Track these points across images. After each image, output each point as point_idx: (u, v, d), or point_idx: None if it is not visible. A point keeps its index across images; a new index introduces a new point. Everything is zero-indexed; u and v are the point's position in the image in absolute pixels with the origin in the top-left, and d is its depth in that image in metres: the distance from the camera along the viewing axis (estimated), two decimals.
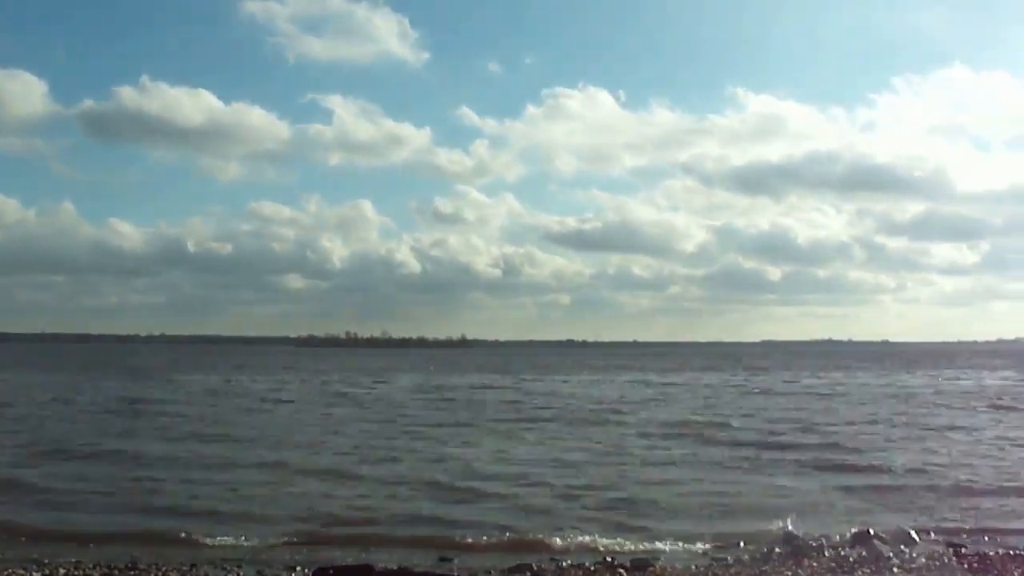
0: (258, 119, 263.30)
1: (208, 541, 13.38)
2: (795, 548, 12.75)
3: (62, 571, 11.29)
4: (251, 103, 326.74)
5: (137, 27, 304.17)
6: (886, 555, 12.25)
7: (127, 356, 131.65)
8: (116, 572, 11.36)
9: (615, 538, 13.55)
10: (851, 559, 12.10)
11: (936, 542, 13.17)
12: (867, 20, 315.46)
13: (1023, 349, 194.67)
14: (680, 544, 13.20)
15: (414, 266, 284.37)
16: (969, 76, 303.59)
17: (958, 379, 67.71)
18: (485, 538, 13.62)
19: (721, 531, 13.99)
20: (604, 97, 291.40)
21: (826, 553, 12.45)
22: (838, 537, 13.32)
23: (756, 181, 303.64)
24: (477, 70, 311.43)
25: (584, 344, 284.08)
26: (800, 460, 21.66)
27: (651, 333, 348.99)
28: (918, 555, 12.29)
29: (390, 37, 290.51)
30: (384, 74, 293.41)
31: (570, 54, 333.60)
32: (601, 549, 12.85)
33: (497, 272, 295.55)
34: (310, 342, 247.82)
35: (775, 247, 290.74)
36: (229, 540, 13.40)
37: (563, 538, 13.55)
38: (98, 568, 11.47)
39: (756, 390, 53.37)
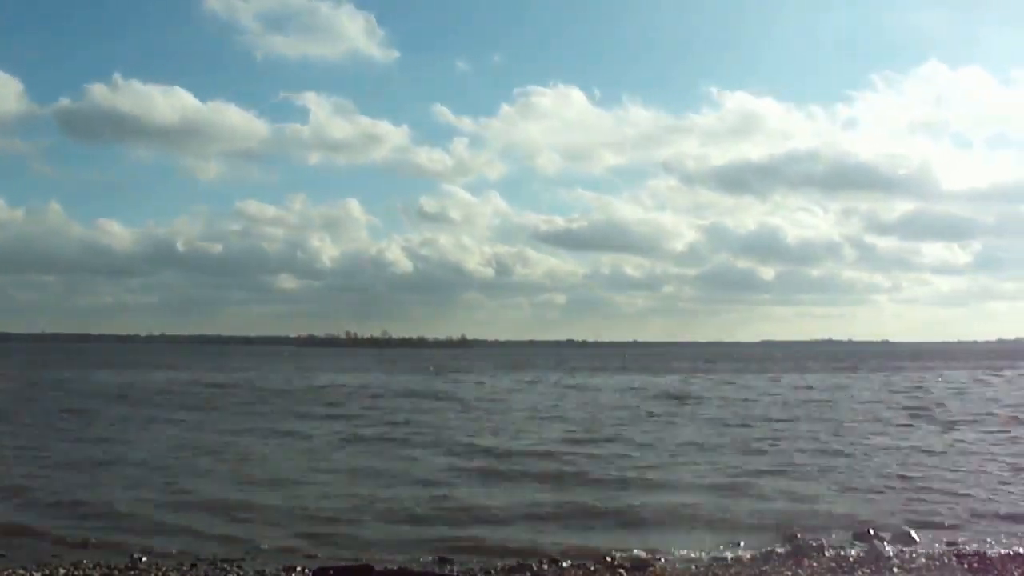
0: (236, 117, 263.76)
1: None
2: (795, 548, 12.75)
3: (62, 571, 11.30)
4: (226, 101, 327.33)
5: (101, 26, 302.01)
6: (886, 555, 12.26)
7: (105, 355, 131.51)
8: (116, 572, 11.37)
9: (615, 538, 13.55)
10: (851, 559, 12.11)
11: (936, 542, 13.16)
12: (839, 19, 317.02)
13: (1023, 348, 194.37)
14: (680, 544, 13.20)
15: (406, 265, 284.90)
16: (946, 72, 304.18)
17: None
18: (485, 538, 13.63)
19: (721, 531, 13.99)
20: (577, 95, 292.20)
21: (826, 553, 12.45)
22: (838, 537, 13.33)
23: (739, 180, 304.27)
24: (446, 68, 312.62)
25: (584, 344, 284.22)
26: None
27: (650, 333, 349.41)
28: (918, 555, 12.29)
29: (357, 35, 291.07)
30: (356, 72, 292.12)
31: (537, 52, 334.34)
32: (601, 550, 12.84)
33: (490, 272, 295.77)
34: (310, 342, 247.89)
35: (765, 247, 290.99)
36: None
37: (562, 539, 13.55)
38: (98, 568, 11.48)
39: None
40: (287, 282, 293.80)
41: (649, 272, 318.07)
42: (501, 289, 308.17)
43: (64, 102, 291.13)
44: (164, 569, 11.56)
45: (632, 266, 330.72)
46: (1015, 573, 11.24)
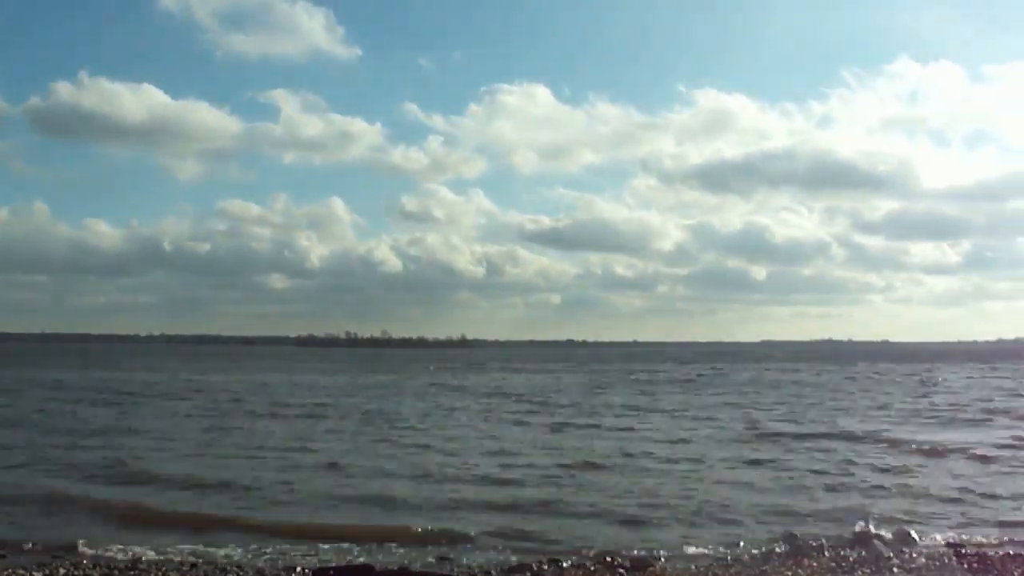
0: (208, 116, 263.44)
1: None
2: (795, 548, 12.75)
3: (62, 571, 11.30)
4: (197, 99, 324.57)
5: (57, 24, 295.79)
6: (886, 555, 12.26)
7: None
8: (116, 572, 11.37)
9: (614, 539, 13.56)
10: (851, 559, 12.11)
11: (936, 542, 13.16)
12: (805, 17, 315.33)
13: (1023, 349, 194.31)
14: (680, 544, 13.20)
15: (395, 265, 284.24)
16: (917, 69, 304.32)
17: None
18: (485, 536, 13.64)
19: (721, 531, 13.99)
20: (543, 93, 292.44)
21: (826, 553, 12.45)
22: (838, 537, 13.33)
23: (719, 179, 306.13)
24: (409, 65, 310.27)
25: (584, 344, 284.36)
26: None
27: (649, 333, 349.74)
28: (918, 555, 12.29)
29: (317, 32, 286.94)
30: (321, 70, 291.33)
31: (498, 49, 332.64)
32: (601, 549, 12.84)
33: (480, 271, 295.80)
34: (310, 342, 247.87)
35: (754, 246, 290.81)
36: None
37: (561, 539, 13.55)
38: (98, 568, 11.48)
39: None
40: (278, 282, 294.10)
41: (641, 272, 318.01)
42: (494, 289, 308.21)
43: (34, 101, 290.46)
44: (164, 569, 11.55)
45: (623, 266, 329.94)
46: (1015, 573, 11.24)
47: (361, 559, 12.27)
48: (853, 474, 19.67)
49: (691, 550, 12.83)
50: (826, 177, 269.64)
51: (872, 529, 13.53)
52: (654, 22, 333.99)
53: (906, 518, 14.74)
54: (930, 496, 17.00)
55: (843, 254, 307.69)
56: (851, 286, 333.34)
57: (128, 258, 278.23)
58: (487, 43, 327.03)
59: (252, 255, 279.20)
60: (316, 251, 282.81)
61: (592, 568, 11.68)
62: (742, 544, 13.10)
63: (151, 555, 12.31)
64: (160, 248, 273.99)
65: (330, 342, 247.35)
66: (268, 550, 12.79)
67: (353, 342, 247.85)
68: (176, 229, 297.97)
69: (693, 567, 11.91)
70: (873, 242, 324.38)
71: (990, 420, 32.90)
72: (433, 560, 12.31)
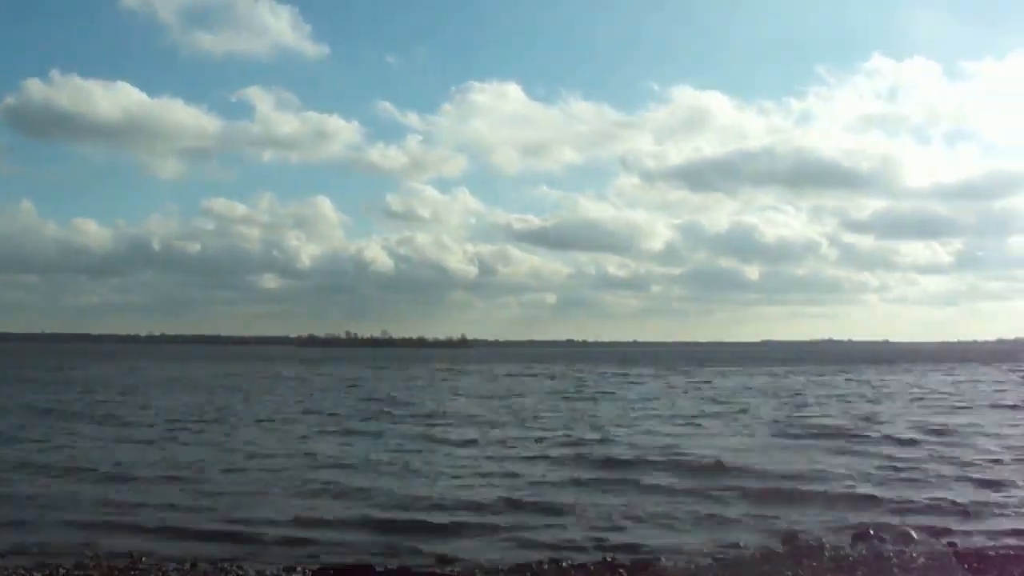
0: (184, 114, 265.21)
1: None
2: (795, 548, 12.75)
3: (62, 571, 11.30)
4: (171, 97, 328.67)
5: (20, 22, 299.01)
6: (886, 555, 12.25)
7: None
8: (116, 572, 11.38)
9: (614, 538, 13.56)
10: (851, 559, 12.10)
11: (936, 542, 13.16)
12: (777, 15, 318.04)
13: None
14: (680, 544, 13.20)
15: (387, 264, 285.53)
16: (892, 65, 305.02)
17: None
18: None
19: (721, 531, 13.99)
20: (515, 91, 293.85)
21: (826, 553, 12.44)
22: (838, 537, 13.33)
23: (701, 178, 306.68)
24: (378, 63, 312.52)
25: (584, 344, 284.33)
26: None
27: (648, 333, 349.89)
28: (918, 555, 12.27)
29: (284, 30, 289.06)
30: (291, 68, 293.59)
31: (466, 47, 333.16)
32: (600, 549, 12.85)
33: (472, 271, 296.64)
34: (310, 342, 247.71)
35: (744, 246, 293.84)
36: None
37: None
38: (98, 568, 11.48)
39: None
40: (271, 282, 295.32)
41: (634, 272, 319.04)
42: (487, 288, 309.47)
43: (9, 100, 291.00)
44: (164, 569, 11.56)
45: (614, 265, 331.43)
46: (1015, 573, 11.25)
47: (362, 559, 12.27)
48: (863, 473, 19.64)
49: (691, 550, 12.84)
50: (810, 176, 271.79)
51: (872, 529, 13.55)
52: (623, 20, 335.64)
53: (906, 518, 14.75)
54: (930, 496, 16.99)
55: (834, 253, 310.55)
56: (845, 286, 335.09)
57: (119, 258, 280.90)
58: (453, 40, 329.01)
59: (243, 255, 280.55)
60: (306, 251, 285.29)
61: (592, 568, 11.69)
62: (742, 544, 13.10)
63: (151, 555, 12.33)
64: (149, 248, 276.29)
65: (331, 342, 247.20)
66: None
67: (353, 342, 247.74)
68: (163, 229, 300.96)
69: (693, 567, 11.91)
70: (863, 241, 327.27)
71: None
72: (433, 560, 12.33)
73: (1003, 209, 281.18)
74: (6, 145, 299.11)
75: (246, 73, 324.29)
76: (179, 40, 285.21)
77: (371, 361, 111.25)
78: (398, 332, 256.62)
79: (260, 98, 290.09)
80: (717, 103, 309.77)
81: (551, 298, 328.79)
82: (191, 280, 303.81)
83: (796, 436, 27.15)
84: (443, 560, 12.33)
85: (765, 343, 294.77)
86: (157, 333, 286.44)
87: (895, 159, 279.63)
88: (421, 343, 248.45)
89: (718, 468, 20.03)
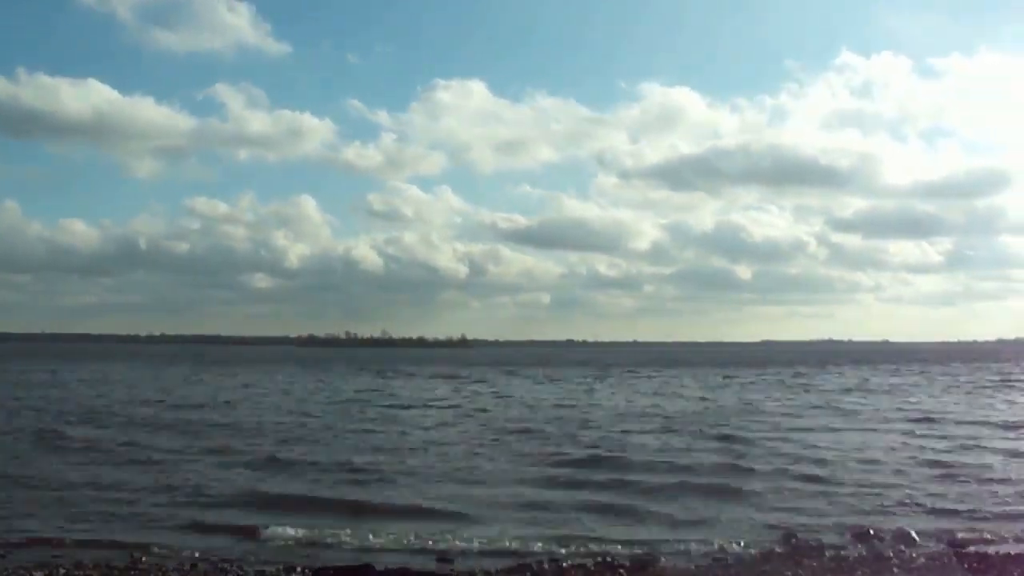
0: (155, 113, 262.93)
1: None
2: (795, 548, 12.75)
3: (62, 571, 11.31)
4: (143, 95, 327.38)
5: None
6: (886, 555, 12.26)
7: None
8: (116, 572, 11.38)
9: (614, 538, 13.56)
10: (851, 559, 12.11)
11: (936, 542, 13.16)
12: (740, 11, 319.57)
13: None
14: (680, 544, 13.19)
15: (376, 263, 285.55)
16: (862, 62, 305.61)
17: None
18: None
19: (721, 531, 14.00)
20: (480, 88, 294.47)
21: (826, 553, 12.45)
22: (838, 537, 13.33)
23: (682, 176, 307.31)
24: (341, 61, 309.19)
25: (585, 344, 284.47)
26: None
27: (647, 333, 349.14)
28: (918, 555, 12.28)
29: (243, 27, 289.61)
30: (255, 66, 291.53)
31: (426, 44, 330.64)
32: (600, 549, 12.84)
33: (463, 270, 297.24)
34: (310, 342, 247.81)
35: (732, 245, 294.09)
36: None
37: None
38: (98, 568, 11.49)
39: None
40: (262, 281, 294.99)
41: (624, 271, 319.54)
42: (479, 288, 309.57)
43: None
44: (164, 569, 11.56)
45: (605, 265, 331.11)
46: (1015, 573, 11.24)
47: (362, 559, 12.27)
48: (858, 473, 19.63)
49: (691, 550, 12.84)
50: (790, 174, 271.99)
51: (872, 529, 13.55)
52: (586, 17, 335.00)
53: (906, 518, 14.75)
54: (931, 496, 16.99)
55: (823, 253, 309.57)
56: (838, 285, 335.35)
57: (107, 257, 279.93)
58: (413, 38, 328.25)
59: (232, 254, 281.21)
60: (295, 250, 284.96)
61: (592, 568, 11.69)
62: (742, 544, 13.10)
63: (151, 555, 12.33)
64: (138, 247, 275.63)
65: (331, 342, 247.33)
66: None
67: (354, 342, 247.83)
68: (150, 228, 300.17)
69: (693, 567, 11.91)
70: (851, 241, 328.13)
71: None
72: (433, 560, 12.33)
73: (988, 208, 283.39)
74: None
75: (212, 71, 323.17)
76: (139, 38, 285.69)
77: (371, 363, 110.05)
78: (396, 332, 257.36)
79: (229, 96, 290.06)
80: (689, 100, 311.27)
81: (545, 298, 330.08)
82: (184, 280, 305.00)
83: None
84: (443, 560, 12.34)
85: (765, 343, 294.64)
86: (157, 333, 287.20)
87: (874, 157, 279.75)
88: (422, 343, 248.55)
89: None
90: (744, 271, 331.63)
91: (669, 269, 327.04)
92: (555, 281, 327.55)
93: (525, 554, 12.55)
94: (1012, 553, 12.24)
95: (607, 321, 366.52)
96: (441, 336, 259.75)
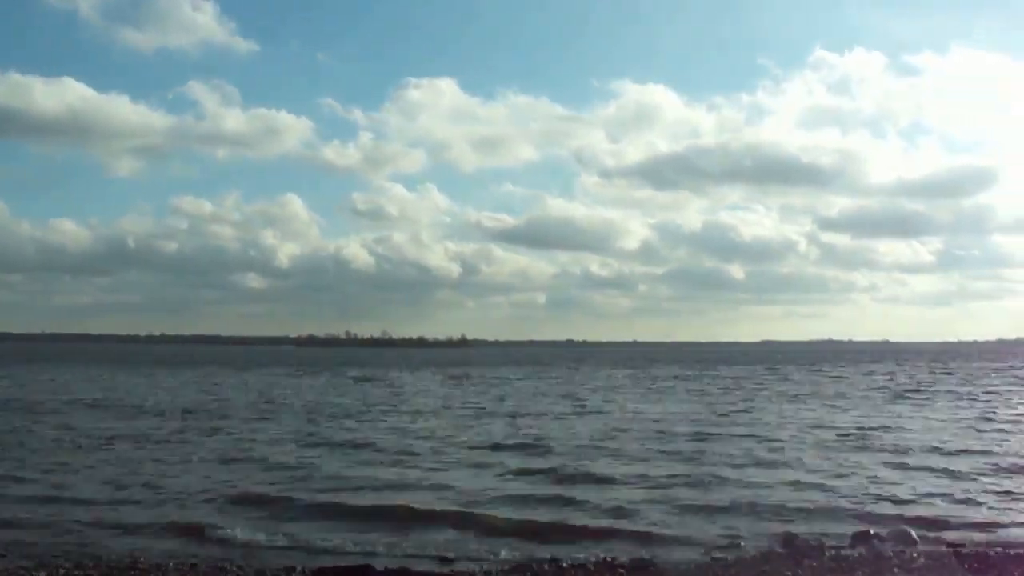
0: (131, 111, 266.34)
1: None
2: (795, 548, 12.75)
3: (62, 571, 11.31)
4: (118, 93, 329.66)
5: None
6: (886, 555, 12.26)
7: None
8: (116, 572, 11.38)
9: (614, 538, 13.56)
10: (851, 559, 12.11)
11: (936, 542, 13.15)
12: (711, 7, 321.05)
13: None
14: (680, 544, 13.19)
15: (368, 263, 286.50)
16: (836, 58, 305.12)
17: None
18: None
19: (721, 531, 13.99)
20: (451, 86, 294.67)
21: (826, 553, 12.45)
22: (838, 537, 13.32)
23: (664, 175, 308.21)
24: (310, 60, 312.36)
25: (585, 343, 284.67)
26: None
27: (647, 333, 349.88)
28: (918, 555, 12.28)
29: (209, 25, 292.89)
30: (224, 64, 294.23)
31: (395, 42, 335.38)
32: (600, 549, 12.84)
33: (455, 270, 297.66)
34: (310, 342, 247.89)
35: (721, 245, 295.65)
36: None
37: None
38: (98, 568, 11.49)
39: None
40: (254, 281, 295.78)
41: (617, 271, 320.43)
42: (473, 288, 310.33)
43: None
44: (164, 569, 11.57)
45: (597, 265, 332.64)
46: (1015, 573, 11.24)
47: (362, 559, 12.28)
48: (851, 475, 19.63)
49: (691, 550, 12.83)
50: (772, 172, 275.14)
51: (872, 529, 13.55)
52: (556, 14, 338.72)
53: (906, 518, 14.74)
54: (931, 496, 16.99)
55: (814, 252, 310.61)
56: (833, 285, 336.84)
57: (99, 257, 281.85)
58: (381, 36, 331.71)
59: (222, 254, 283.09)
60: (284, 250, 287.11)
61: (592, 568, 11.69)
62: (742, 544, 13.10)
63: (151, 555, 12.34)
64: (126, 247, 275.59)
65: (331, 342, 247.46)
66: None
67: (354, 342, 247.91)
68: (138, 228, 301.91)
69: (693, 567, 11.91)
70: (840, 240, 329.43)
71: None
72: (433, 560, 12.33)
73: (976, 207, 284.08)
74: None
75: (182, 69, 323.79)
76: (106, 36, 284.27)
77: (370, 365, 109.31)
78: (394, 331, 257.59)
79: (203, 93, 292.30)
80: (665, 98, 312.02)
81: (541, 298, 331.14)
82: (177, 279, 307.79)
83: None
84: (443, 560, 12.35)
85: (765, 343, 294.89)
86: (157, 333, 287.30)
87: (856, 155, 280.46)
88: (422, 343, 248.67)
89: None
90: (737, 271, 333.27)
91: (661, 269, 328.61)
92: (549, 281, 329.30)
93: (525, 554, 12.54)
94: (1012, 553, 12.25)
95: (604, 321, 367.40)
96: (440, 336, 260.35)
